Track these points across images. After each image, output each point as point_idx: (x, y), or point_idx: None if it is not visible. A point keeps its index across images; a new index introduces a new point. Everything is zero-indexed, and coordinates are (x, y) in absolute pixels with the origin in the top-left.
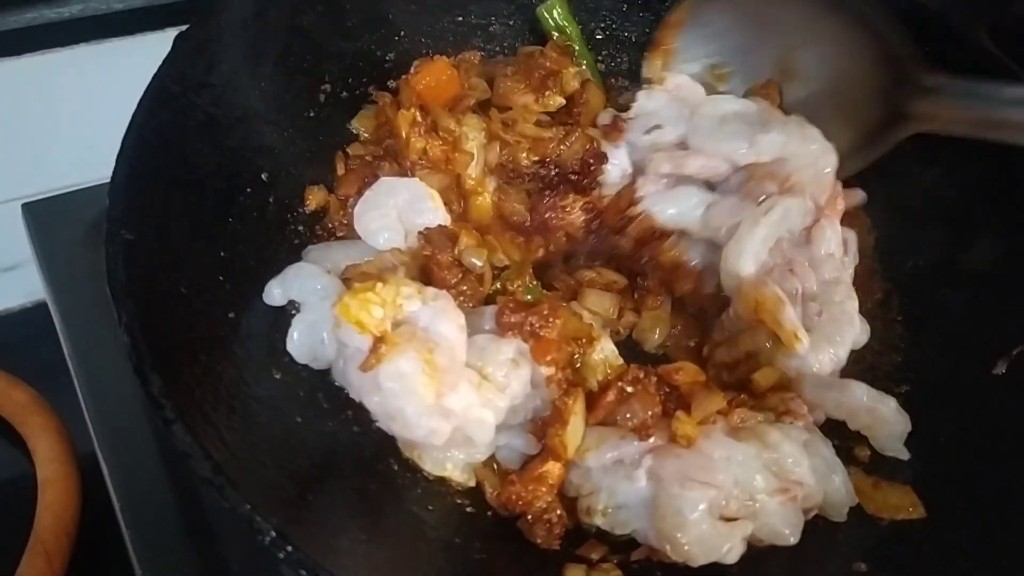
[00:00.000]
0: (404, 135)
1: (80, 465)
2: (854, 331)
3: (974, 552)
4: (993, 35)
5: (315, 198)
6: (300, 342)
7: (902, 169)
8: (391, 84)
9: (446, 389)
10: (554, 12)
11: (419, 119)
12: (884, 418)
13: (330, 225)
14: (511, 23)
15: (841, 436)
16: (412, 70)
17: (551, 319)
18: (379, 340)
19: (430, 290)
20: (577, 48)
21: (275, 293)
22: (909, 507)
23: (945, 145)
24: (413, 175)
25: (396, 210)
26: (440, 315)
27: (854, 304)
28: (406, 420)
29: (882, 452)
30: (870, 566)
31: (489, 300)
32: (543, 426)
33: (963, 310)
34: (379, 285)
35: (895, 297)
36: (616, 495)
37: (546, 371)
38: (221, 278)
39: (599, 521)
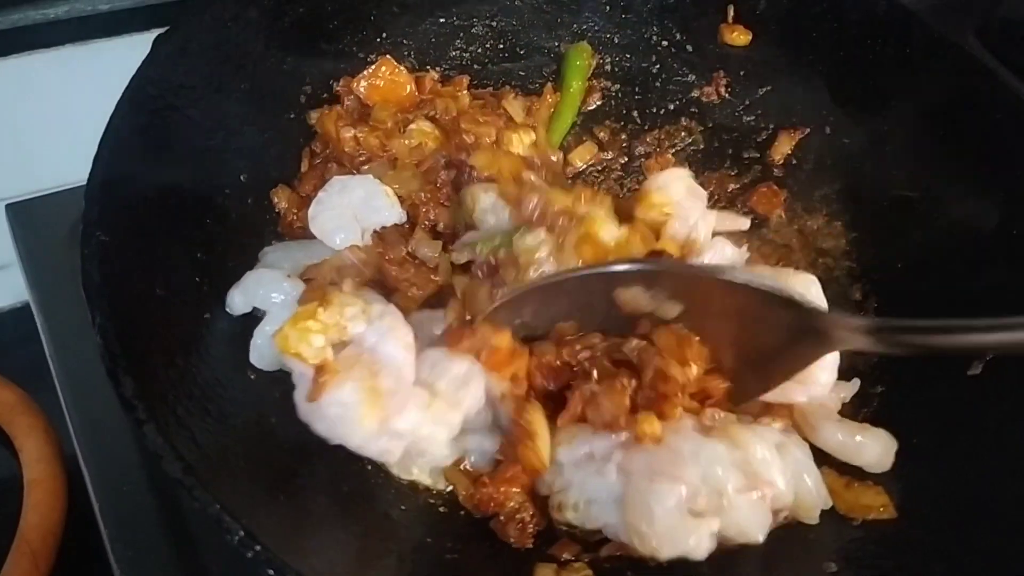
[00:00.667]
0: (330, 130)
1: (67, 466)
2: None
3: (946, 553)
4: (980, 37)
5: (282, 197)
6: (261, 352)
7: (876, 172)
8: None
9: (392, 412)
10: (577, 61)
11: (342, 112)
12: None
13: (294, 223)
14: (493, 24)
15: None
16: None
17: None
18: (320, 369)
19: (376, 308)
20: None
21: (236, 302)
22: (880, 507)
23: (918, 144)
24: (358, 171)
25: (351, 208)
26: (386, 335)
27: None
28: (353, 445)
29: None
30: (841, 566)
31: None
32: (509, 444)
33: (939, 312)
34: (320, 310)
35: (872, 299)
36: (587, 490)
37: (499, 387)
38: (198, 279)
39: (570, 516)
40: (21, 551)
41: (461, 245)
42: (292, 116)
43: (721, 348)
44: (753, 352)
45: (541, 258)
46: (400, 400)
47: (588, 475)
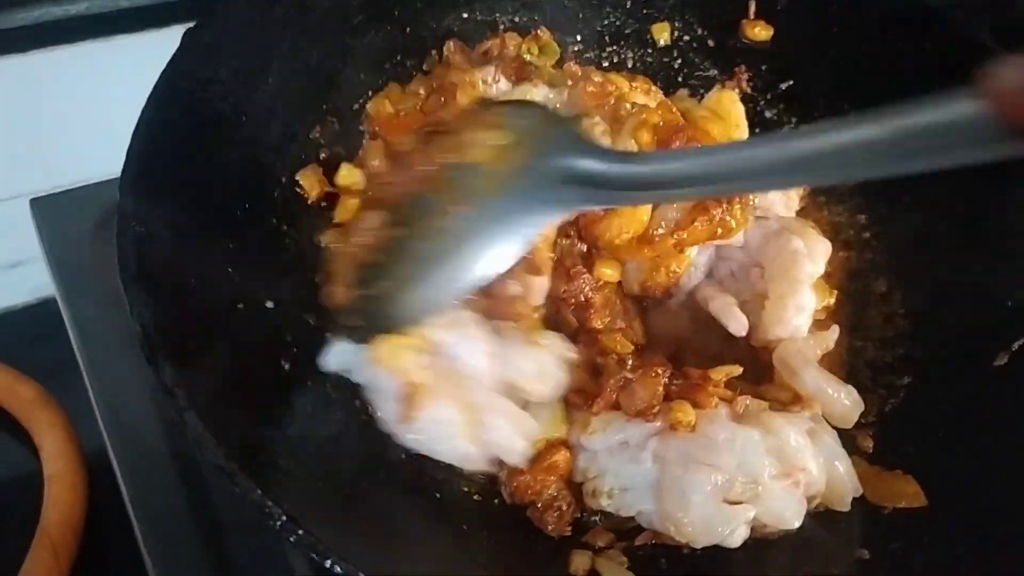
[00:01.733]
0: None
1: (87, 461)
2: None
3: (974, 541)
4: (995, 32)
5: (306, 180)
6: (341, 360)
7: None
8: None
9: (482, 428)
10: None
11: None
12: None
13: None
14: (516, 20)
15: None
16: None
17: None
18: (412, 387)
19: (455, 314)
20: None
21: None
22: (911, 495)
23: None
24: None
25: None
26: (468, 344)
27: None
28: (441, 456)
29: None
30: (873, 554)
31: None
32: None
33: (965, 302)
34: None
35: (897, 291)
36: (622, 477)
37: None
38: (230, 270)
39: (604, 503)
40: (42, 546)
41: None
42: (324, 107)
43: None
44: None
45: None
46: (492, 413)
47: (623, 462)
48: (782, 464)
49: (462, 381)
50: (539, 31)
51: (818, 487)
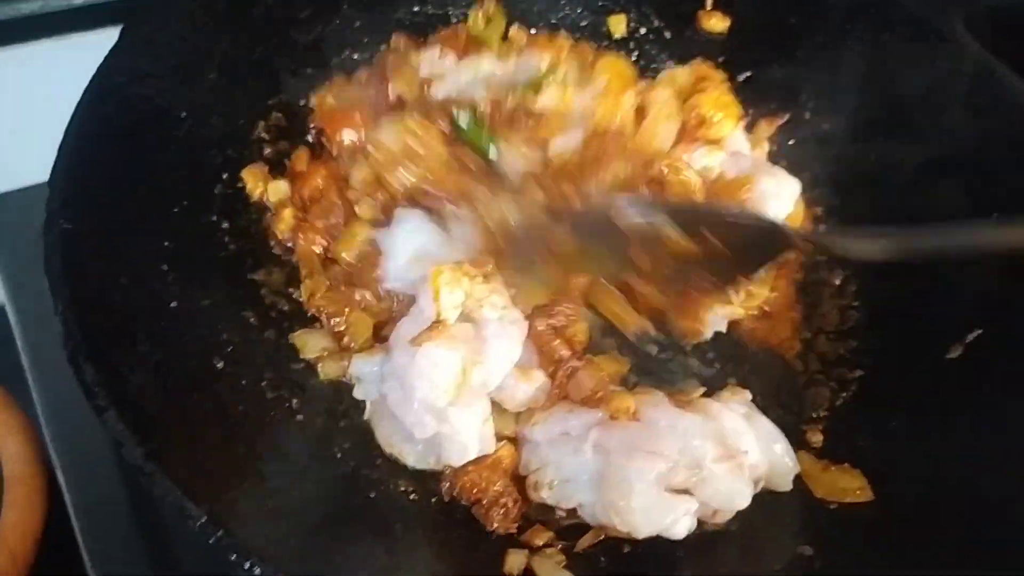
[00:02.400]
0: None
1: (48, 465)
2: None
3: (921, 536)
4: (968, 25)
5: (251, 178)
6: (396, 273)
7: (857, 157)
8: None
9: (461, 403)
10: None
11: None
12: None
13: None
14: (467, 12)
15: (795, 421)
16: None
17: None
18: (439, 322)
19: (512, 313)
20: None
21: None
22: (857, 490)
23: (899, 130)
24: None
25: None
26: (504, 340)
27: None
28: (410, 399)
29: None
30: (816, 549)
31: None
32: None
33: (918, 295)
34: (480, 279)
35: (851, 283)
36: (563, 469)
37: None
38: (165, 267)
39: (545, 495)
40: (0, 550)
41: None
42: (262, 106)
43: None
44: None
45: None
46: (471, 398)
47: (564, 454)
48: (722, 448)
49: (478, 359)
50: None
51: (760, 470)
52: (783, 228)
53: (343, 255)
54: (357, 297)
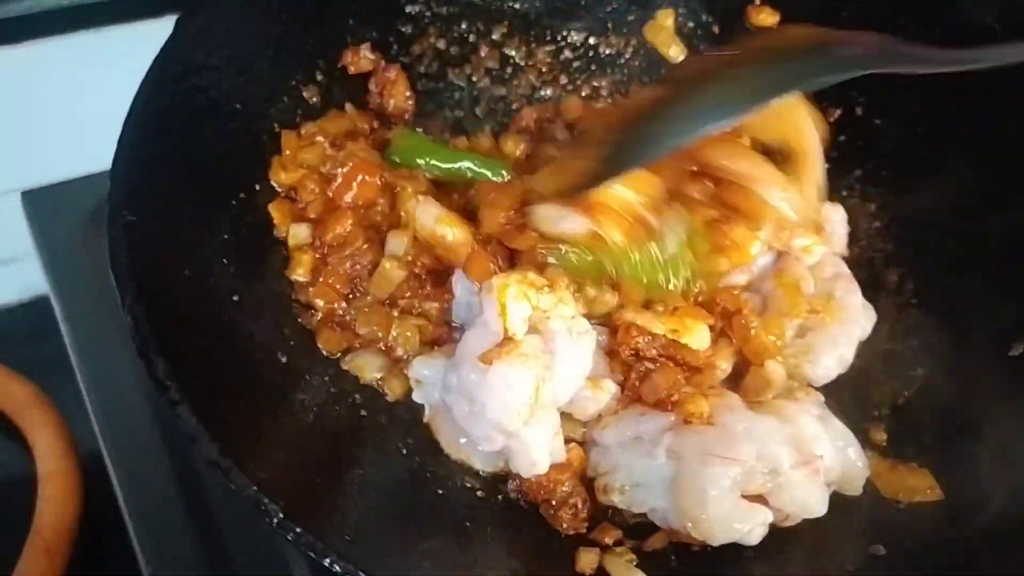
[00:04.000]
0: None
1: (81, 461)
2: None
3: (992, 535)
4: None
5: (277, 214)
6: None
7: (908, 154)
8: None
9: (533, 420)
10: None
11: None
12: None
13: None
14: (517, 7)
15: (858, 419)
16: None
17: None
18: (509, 339)
19: (581, 323)
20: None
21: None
22: (927, 489)
23: (950, 126)
24: None
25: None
26: (574, 352)
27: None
28: (483, 419)
29: None
30: (889, 549)
31: None
32: None
33: (978, 292)
34: (546, 290)
35: (909, 281)
36: (634, 473)
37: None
38: (225, 261)
39: (616, 499)
40: (36, 546)
41: None
42: (316, 98)
43: None
44: None
45: None
46: (543, 414)
47: (636, 457)
48: (799, 452)
49: (548, 375)
50: None
51: (834, 474)
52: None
53: (376, 295)
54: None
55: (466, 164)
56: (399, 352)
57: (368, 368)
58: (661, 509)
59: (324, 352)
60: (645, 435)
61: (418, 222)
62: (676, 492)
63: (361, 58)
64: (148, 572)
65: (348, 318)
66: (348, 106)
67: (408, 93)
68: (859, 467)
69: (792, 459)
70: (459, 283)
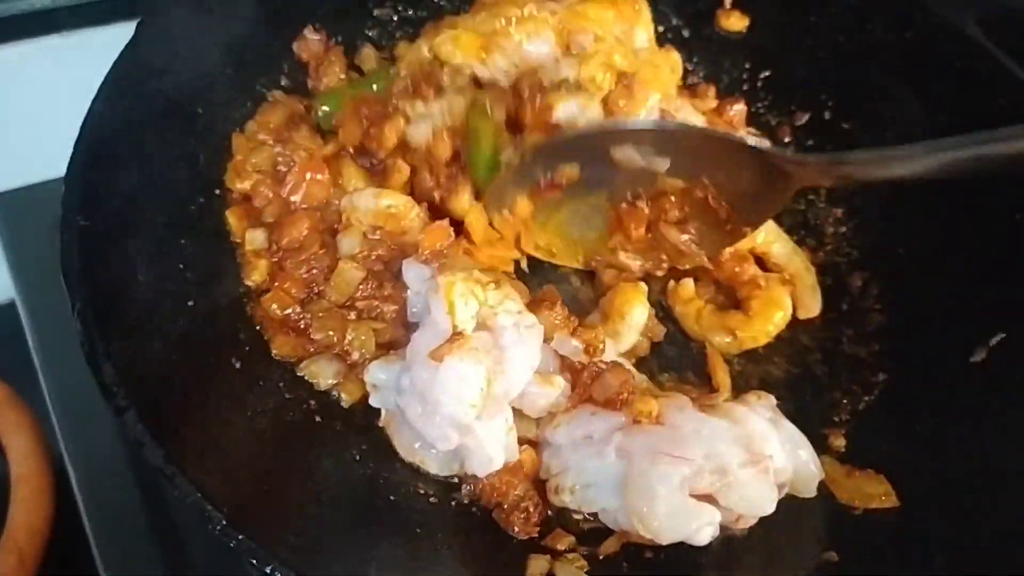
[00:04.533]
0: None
1: (54, 463)
2: None
3: (948, 541)
4: (982, 26)
5: (233, 220)
6: (413, 278)
7: None
8: None
9: (485, 415)
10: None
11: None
12: None
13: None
14: None
15: (818, 424)
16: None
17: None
18: (458, 334)
19: (528, 318)
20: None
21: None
22: (882, 495)
23: (918, 130)
24: None
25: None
26: (522, 347)
27: None
28: (436, 416)
29: None
30: (842, 556)
31: None
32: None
33: (941, 298)
34: (492, 287)
35: (873, 286)
36: (585, 472)
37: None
38: (181, 266)
39: (567, 499)
40: (8, 548)
41: None
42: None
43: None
44: (733, 197)
45: None
46: (496, 409)
47: (586, 457)
48: (748, 452)
49: (499, 368)
50: None
51: (785, 474)
52: (789, 162)
53: (334, 298)
54: (352, 316)
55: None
56: (355, 356)
57: (324, 374)
58: (611, 509)
59: (279, 358)
60: (595, 434)
61: (359, 210)
62: (626, 491)
63: (309, 42)
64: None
65: (303, 324)
66: (276, 93)
67: (342, 74)
68: (812, 469)
69: (741, 458)
70: (410, 271)
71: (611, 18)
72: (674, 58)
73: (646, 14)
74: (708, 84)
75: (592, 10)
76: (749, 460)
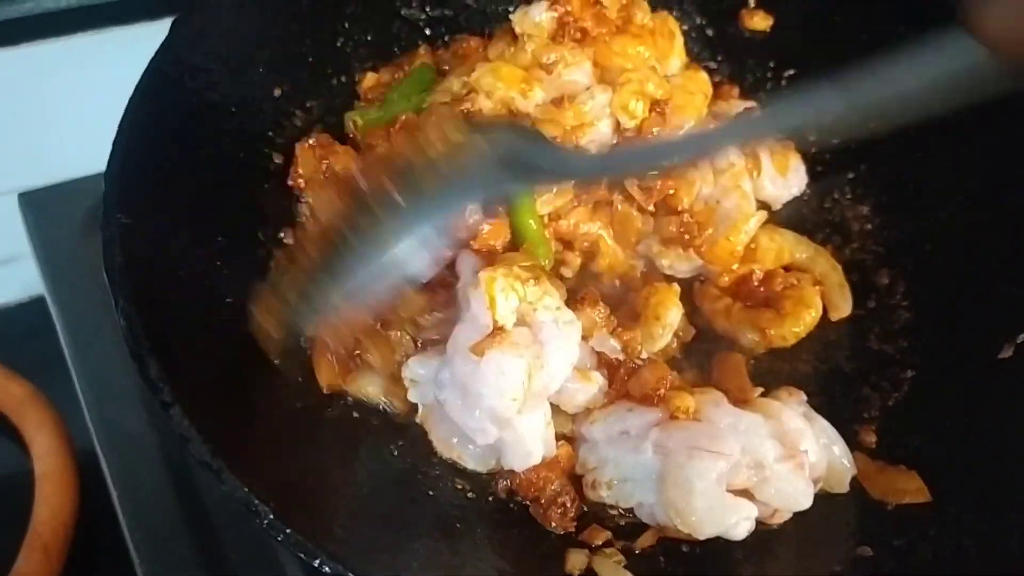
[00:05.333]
0: None
1: (78, 459)
2: None
3: (980, 537)
4: None
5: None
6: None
7: (902, 155)
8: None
9: (525, 409)
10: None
11: None
12: None
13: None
14: None
15: (847, 420)
16: None
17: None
18: (499, 329)
19: (567, 314)
20: None
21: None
22: (914, 491)
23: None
24: None
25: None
26: (561, 342)
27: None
28: (477, 409)
29: None
30: (875, 551)
31: None
32: None
33: (969, 294)
34: (532, 282)
35: (900, 283)
36: (622, 467)
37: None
38: (219, 263)
39: (604, 495)
40: (33, 545)
41: None
42: (311, 102)
43: None
44: None
45: None
46: (535, 404)
47: (623, 452)
48: (784, 447)
49: (539, 364)
50: None
51: (819, 470)
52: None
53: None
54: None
55: None
56: (397, 358)
57: (373, 391)
58: (648, 504)
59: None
60: (632, 430)
61: None
62: (663, 486)
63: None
64: (143, 572)
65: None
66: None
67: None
68: (845, 464)
69: (777, 453)
70: (464, 261)
71: (644, 50)
72: (704, 79)
73: (679, 40)
74: (732, 84)
75: (629, 45)
76: (785, 455)
